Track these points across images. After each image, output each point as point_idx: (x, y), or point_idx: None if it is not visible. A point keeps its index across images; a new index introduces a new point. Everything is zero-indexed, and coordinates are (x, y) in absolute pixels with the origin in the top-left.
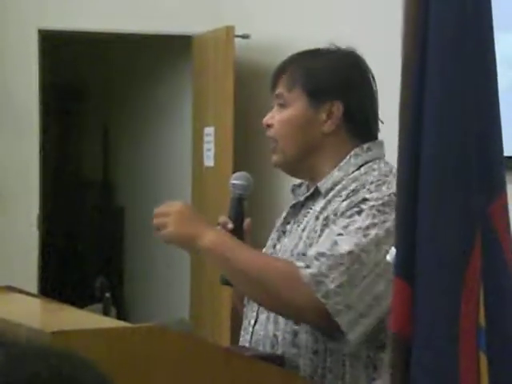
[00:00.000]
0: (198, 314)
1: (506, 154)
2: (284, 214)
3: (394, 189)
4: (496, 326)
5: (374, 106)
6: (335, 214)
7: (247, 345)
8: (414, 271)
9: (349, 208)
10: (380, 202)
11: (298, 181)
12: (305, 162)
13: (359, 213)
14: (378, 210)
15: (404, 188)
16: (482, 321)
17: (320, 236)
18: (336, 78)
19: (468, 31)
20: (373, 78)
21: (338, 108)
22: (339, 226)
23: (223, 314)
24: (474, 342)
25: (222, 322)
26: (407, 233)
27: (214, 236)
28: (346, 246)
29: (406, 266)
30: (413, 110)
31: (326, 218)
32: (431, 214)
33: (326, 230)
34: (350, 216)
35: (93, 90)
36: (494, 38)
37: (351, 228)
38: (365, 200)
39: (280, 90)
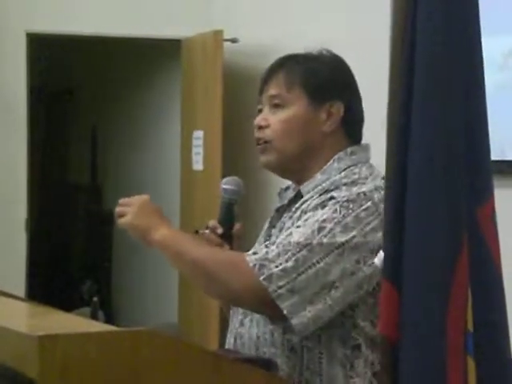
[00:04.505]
0: (187, 317)
1: (493, 157)
2: (270, 218)
3: (366, 189)
4: (483, 331)
5: (362, 109)
6: (304, 212)
7: (231, 347)
8: (402, 274)
9: (316, 205)
10: (345, 198)
11: (285, 184)
12: (299, 163)
13: (322, 207)
14: (341, 206)
15: (391, 191)
16: (470, 325)
17: None
18: (336, 79)
19: (455, 34)
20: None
21: (338, 108)
22: (301, 220)
23: (211, 317)
24: (461, 346)
25: (210, 326)
26: (395, 236)
27: (167, 231)
28: (297, 235)
29: (393, 269)
30: (400, 113)
31: (299, 217)
32: (418, 218)
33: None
34: (313, 210)
35: (81, 93)
36: (482, 41)
37: (310, 221)
38: (332, 198)
39: (276, 90)
